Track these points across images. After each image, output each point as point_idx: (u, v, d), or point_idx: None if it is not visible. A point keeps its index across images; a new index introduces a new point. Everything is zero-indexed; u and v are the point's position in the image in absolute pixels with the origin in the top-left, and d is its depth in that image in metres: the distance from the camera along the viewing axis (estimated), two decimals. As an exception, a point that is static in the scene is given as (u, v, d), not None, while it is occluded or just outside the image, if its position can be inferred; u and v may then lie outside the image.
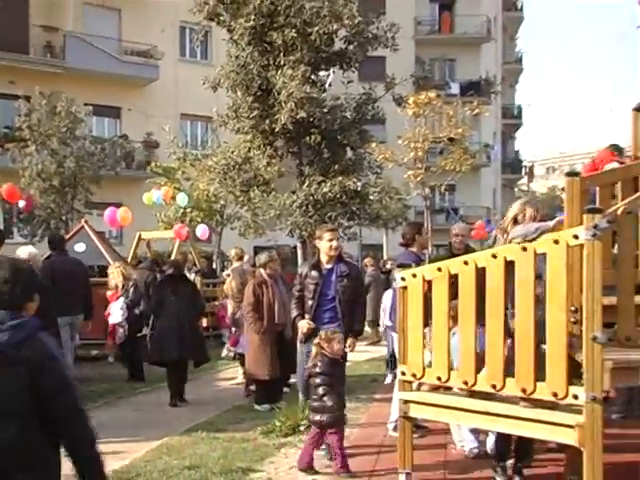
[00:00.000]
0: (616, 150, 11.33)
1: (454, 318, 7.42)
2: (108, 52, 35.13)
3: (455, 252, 9.25)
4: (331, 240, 8.82)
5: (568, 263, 6.70)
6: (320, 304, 8.85)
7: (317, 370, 8.22)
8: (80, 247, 17.35)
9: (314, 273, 9.10)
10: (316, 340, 8.49)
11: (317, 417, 8.15)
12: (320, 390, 8.08)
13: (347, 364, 14.90)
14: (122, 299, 14.85)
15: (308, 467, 8.28)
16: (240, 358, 13.31)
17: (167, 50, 37.28)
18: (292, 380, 12.38)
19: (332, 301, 8.83)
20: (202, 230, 19.41)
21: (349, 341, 8.76)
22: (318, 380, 8.21)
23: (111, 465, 8.69)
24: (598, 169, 10.39)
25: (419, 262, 9.30)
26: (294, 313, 9.53)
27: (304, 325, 9.01)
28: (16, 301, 4.13)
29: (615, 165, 10.50)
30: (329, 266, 8.86)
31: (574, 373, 6.64)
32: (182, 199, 22.14)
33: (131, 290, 14.94)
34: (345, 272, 8.89)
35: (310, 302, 8.94)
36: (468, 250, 9.38)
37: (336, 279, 8.81)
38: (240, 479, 8.17)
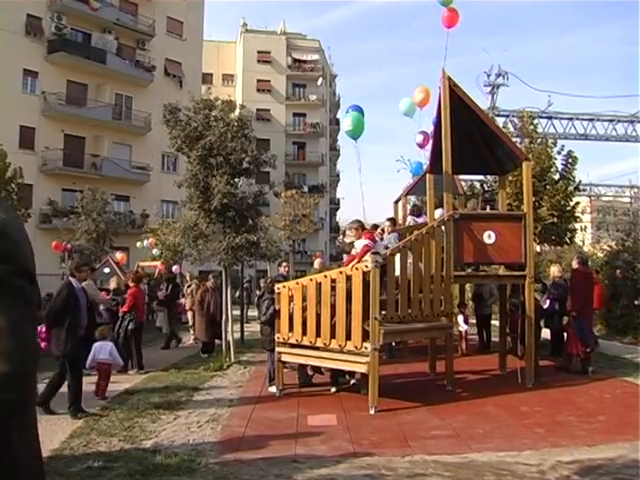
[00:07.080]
0: (374, 227, 10.85)
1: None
2: (123, 167, 34.34)
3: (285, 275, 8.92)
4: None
5: (365, 280, 6.78)
6: None
7: None
8: (107, 270, 17.80)
9: None
10: None
11: None
12: None
13: (249, 334, 14.55)
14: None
15: None
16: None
17: (155, 166, 36.35)
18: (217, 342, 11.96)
19: None
20: (175, 267, 19.45)
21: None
22: None
23: (124, 385, 8.73)
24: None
25: (287, 277, 9.20)
26: None
27: None
28: None
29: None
30: None
31: (365, 336, 6.69)
32: (156, 251, 22.86)
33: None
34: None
35: None
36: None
37: None
38: (190, 391, 8.25)
